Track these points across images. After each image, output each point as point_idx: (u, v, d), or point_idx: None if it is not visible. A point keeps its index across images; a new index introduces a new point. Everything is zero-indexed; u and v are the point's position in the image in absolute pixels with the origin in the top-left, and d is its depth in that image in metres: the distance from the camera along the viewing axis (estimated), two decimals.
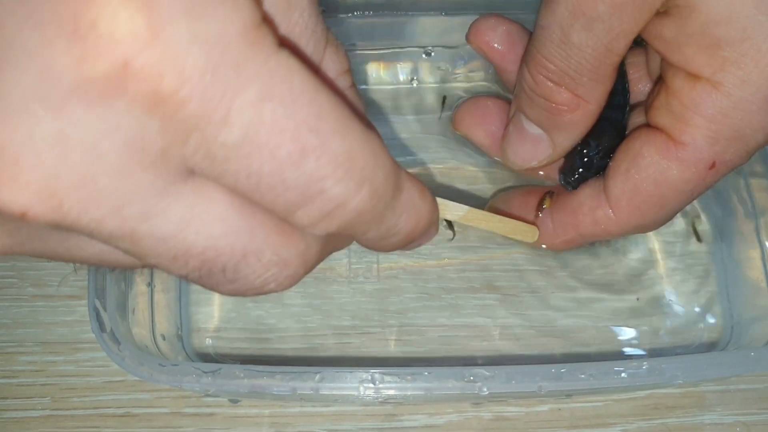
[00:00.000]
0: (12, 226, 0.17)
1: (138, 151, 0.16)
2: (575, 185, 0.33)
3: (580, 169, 0.32)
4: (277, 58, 0.16)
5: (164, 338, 0.38)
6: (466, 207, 0.28)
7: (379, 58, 0.45)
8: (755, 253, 0.40)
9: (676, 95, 0.28)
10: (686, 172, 0.28)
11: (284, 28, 0.18)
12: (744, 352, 0.33)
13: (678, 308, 0.41)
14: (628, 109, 0.32)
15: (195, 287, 0.41)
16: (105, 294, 0.33)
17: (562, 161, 0.34)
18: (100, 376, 0.41)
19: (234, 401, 0.40)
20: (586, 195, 0.32)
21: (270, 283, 0.19)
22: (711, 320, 0.41)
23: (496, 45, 0.34)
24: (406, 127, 0.45)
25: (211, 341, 0.40)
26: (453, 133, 0.44)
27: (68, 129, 0.15)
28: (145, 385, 0.40)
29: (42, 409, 0.40)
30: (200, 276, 0.19)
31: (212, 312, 0.41)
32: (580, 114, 0.30)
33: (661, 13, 0.27)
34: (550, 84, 0.29)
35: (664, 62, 0.29)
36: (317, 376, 0.31)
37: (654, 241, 0.43)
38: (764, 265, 0.40)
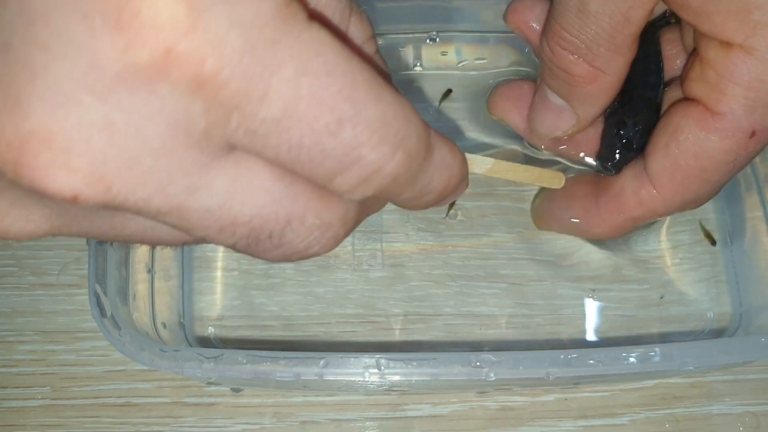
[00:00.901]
0: (61, 209, 0.18)
1: (181, 132, 0.16)
2: (618, 168, 0.32)
3: (620, 150, 0.32)
4: (309, 33, 0.17)
5: (165, 326, 0.38)
6: (491, 159, 0.28)
7: (382, 44, 0.44)
8: (764, 241, 0.40)
9: (711, 65, 0.27)
10: (726, 142, 0.28)
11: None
12: (755, 339, 0.32)
13: (686, 296, 0.41)
14: (662, 87, 0.32)
15: (197, 275, 0.41)
16: (106, 279, 0.33)
17: (599, 148, 0.34)
18: (101, 365, 0.40)
19: (236, 390, 0.39)
20: (628, 176, 0.32)
21: (314, 246, 0.20)
22: (719, 308, 0.41)
23: (534, 24, 0.33)
24: None
25: (213, 329, 0.40)
26: (459, 120, 0.43)
27: (115, 115, 0.16)
28: (145, 374, 0.40)
29: (42, 399, 0.40)
30: (248, 244, 0.19)
31: (214, 300, 0.41)
32: (598, 86, 0.30)
33: None
34: (567, 54, 0.29)
35: (696, 32, 0.29)
36: (322, 362, 0.30)
37: (662, 228, 0.42)
38: None
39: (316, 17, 0.19)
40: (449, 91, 0.44)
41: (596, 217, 0.33)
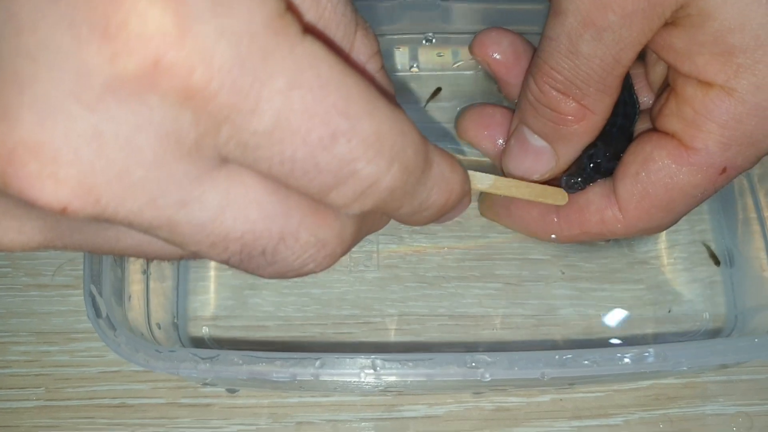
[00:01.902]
0: (53, 221, 0.18)
1: (171, 144, 0.16)
2: (582, 186, 0.32)
3: (588, 171, 0.32)
4: (303, 46, 0.16)
5: (160, 327, 0.37)
6: (492, 176, 0.29)
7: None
8: (759, 243, 0.40)
9: (688, 102, 0.28)
10: (697, 176, 0.28)
11: (314, 13, 0.19)
12: (748, 339, 0.32)
13: (681, 297, 0.41)
14: (636, 118, 0.33)
15: (192, 276, 0.41)
16: (101, 280, 0.33)
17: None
18: (95, 366, 0.40)
19: (232, 391, 0.39)
20: (596, 194, 0.32)
21: (309, 263, 0.20)
22: (715, 309, 0.41)
23: (500, 58, 0.33)
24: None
25: (207, 330, 0.40)
26: (453, 120, 0.44)
27: (103, 125, 0.15)
28: (140, 375, 0.40)
29: (36, 400, 0.40)
30: (241, 260, 0.19)
31: (209, 300, 0.41)
32: (585, 125, 0.30)
33: (670, 24, 0.27)
34: (556, 94, 0.29)
35: (674, 71, 0.29)
36: (317, 362, 0.30)
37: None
38: None
39: (318, 32, 0.19)
40: (438, 89, 0.44)
41: (553, 224, 0.33)
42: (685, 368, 0.32)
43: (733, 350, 0.32)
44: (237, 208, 0.18)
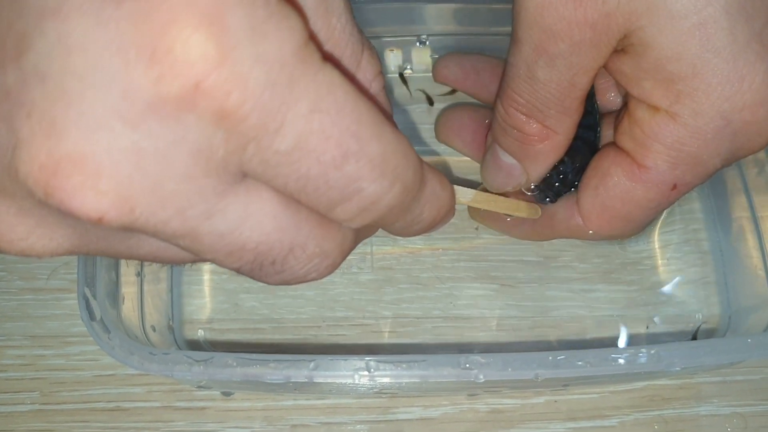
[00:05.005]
0: (82, 229, 0.19)
1: (202, 159, 0.17)
2: (553, 200, 0.34)
3: (557, 185, 0.34)
4: (323, 72, 0.18)
5: (155, 329, 0.37)
6: (472, 191, 0.31)
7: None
8: (753, 242, 0.40)
9: (639, 124, 0.29)
10: (650, 192, 0.30)
11: (325, 34, 0.20)
12: (741, 339, 0.32)
13: (675, 298, 0.41)
14: (599, 129, 0.34)
15: (186, 278, 0.41)
16: (95, 282, 0.33)
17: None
18: (90, 369, 0.40)
19: (227, 394, 0.39)
20: (561, 206, 0.34)
21: (312, 272, 0.21)
22: (708, 309, 0.41)
23: (453, 77, 0.39)
24: (398, 116, 0.44)
25: (202, 333, 0.40)
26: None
27: (143, 141, 0.17)
28: (135, 378, 0.40)
29: (31, 404, 0.40)
30: (252, 269, 0.21)
31: (204, 303, 0.41)
32: (549, 144, 0.31)
33: (619, 50, 0.28)
34: (520, 116, 0.31)
35: (627, 93, 0.30)
36: (311, 364, 0.30)
37: (652, 230, 0.42)
38: (762, 254, 0.40)
39: (328, 54, 0.21)
40: (453, 90, 0.45)
41: (530, 227, 0.36)
42: (678, 368, 0.32)
43: (726, 350, 0.32)
44: (254, 220, 0.19)
